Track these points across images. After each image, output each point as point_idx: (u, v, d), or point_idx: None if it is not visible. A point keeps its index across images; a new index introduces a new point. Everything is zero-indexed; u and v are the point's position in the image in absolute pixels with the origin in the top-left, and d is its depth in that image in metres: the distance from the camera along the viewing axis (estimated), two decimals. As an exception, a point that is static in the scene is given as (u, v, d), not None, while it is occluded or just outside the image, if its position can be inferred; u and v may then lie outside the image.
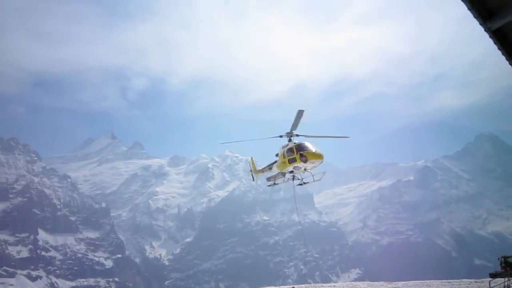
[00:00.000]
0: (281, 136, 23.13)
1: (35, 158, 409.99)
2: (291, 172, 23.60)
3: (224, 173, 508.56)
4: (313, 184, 25.20)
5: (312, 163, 21.84)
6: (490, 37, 9.54)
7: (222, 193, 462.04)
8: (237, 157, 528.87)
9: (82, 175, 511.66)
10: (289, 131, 22.76)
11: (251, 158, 30.59)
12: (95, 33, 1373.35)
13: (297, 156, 21.94)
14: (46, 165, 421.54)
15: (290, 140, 23.18)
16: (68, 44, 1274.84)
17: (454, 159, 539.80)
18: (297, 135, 22.80)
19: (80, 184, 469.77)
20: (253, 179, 30.53)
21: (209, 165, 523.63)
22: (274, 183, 26.98)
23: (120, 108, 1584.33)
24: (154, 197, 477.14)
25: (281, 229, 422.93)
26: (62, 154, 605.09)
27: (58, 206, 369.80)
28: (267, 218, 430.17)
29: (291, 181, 25.75)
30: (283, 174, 25.17)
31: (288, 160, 22.59)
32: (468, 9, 8.88)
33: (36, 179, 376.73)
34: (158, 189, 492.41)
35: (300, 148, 22.00)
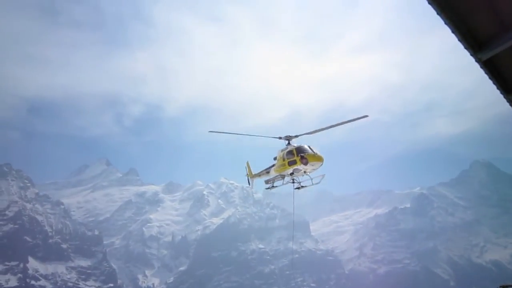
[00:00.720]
0: (280, 138, 23.09)
1: (28, 184, 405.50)
2: (291, 174, 23.19)
3: (219, 200, 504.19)
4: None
5: (313, 165, 21.64)
6: (481, 67, 9.82)
7: (217, 221, 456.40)
8: (233, 184, 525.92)
9: (75, 201, 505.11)
10: (288, 134, 22.81)
11: (247, 163, 30.03)
12: (92, 60, 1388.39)
13: (297, 158, 21.80)
14: (39, 191, 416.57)
15: (289, 143, 23.09)
16: (65, 70, 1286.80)
17: (450, 186, 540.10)
18: (296, 136, 22.74)
19: (73, 211, 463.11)
20: (249, 183, 30.06)
21: (204, 192, 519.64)
22: (273, 186, 26.65)
23: (115, 134, 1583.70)
24: (148, 224, 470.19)
25: (277, 257, 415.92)
26: (55, 180, 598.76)
27: (50, 234, 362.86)
28: (262, 246, 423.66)
29: (289, 188, 25.24)
30: (282, 177, 24.76)
31: (288, 162, 22.44)
32: (458, 40, 9.17)
33: (28, 206, 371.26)
34: (152, 216, 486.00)
35: (300, 150, 21.91)
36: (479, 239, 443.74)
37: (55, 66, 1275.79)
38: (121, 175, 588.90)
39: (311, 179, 23.98)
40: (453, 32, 9.00)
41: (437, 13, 8.53)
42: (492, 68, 10.35)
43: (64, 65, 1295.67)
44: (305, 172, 22.45)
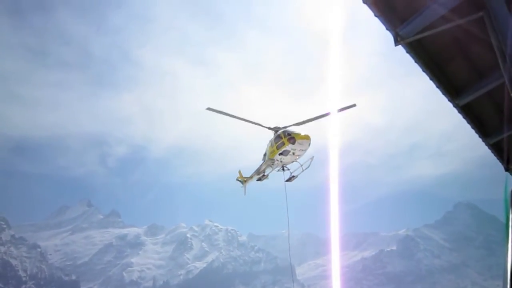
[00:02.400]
0: (269, 128, 23.17)
1: (4, 226, 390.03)
2: (281, 157, 22.85)
3: (203, 243, 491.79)
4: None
5: (301, 144, 21.63)
6: (459, 112, 10.19)
7: (201, 265, 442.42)
8: (217, 226, 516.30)
9: (53, 244, 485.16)
10: (276, 126, 22.92)
11: (239, 171, 29.13)
12: (79, 100, 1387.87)
13: (285, 139, 21.96)
14: (16, 233, 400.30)
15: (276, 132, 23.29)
16: (52, 110, 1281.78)
17: (435, 228, 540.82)
18: (284, 127, 22.74)
19: (50, 254, 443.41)
20: (242, 186, 28.94)
21: (188, 235, 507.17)
22: (263, 175, 25.73)
23: (99, 174, 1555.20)
24: (129, 268, 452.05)
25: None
26: (34, 222, 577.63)
27: (24, 279, 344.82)
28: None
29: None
30: (272, 164, 24.22)
31: (277, 146, 22.58)
32: (436, 86, 9.60)
33: (2, 249, 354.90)
34: (133, 260, 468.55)
35: (287, 132, 22.21)
36: (466, 282, 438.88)
37: (41, 106, 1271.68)
38: (102, 217, 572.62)
39: (301, 165, 23.72)
40: (431, 79, 9.41)
41: (415, 61, 8.94)
42: (470, 113, 10.77)
43: (51, 105, 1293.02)
44: (294, 153, 22.27)
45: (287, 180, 24.71)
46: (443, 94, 9.85)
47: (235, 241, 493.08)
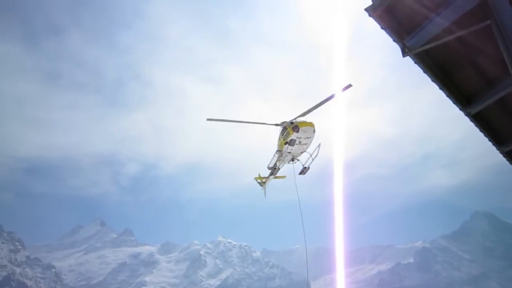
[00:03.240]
0: (276, 125, 23.51)
1: (19, 247, 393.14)
2: (289, 147, 23.06)
3: (216, 260, 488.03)
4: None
5: (305, 131, 21.73)
6: (471, 120, 10.07)
7: (215, 282, 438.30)
8: (230, 242, 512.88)
9: (67, 264, 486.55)
10: (283, 121, 23.22)
11: (258, 174, 29.03)
12: (91, 121, 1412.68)
13: (289, 129, 22.26)
14: (30, 254, 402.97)
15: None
16: (64, 131, 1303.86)
17: (453, 238, 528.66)
18: (291, 122, 22.87)
19: (65, 274, 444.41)
20: (262, 188, 28.88)
21: (201, 252, 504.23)
22: (275, 168, 25.98)
23: (111, 194, 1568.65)
24: (143, 287, 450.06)
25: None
26: (48, 242, 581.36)
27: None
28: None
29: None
30: (281, 156, 24.48)
31: (283, 137, 22.97)
32: (446, 95, 9.54)
33: (17, 270, 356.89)
34: (147, 278, 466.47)
35: (291, 123, 22.56)
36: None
37: (55, 128, 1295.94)
38: (115, 236, 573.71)
39: (310, 155, 23.85)
40: (440, 88, 9.37)
41: (424, 72, 8.92)
42: (483, 121, 10.64)
43: (64, 127, 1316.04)
44: (300, 142, 22.39)
45: (300, 173, 24.78)
46: (454, 103, 9.77)
47: (249, 257, 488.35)
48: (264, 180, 28.01)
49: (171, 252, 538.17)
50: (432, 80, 9.27)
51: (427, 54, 8.76)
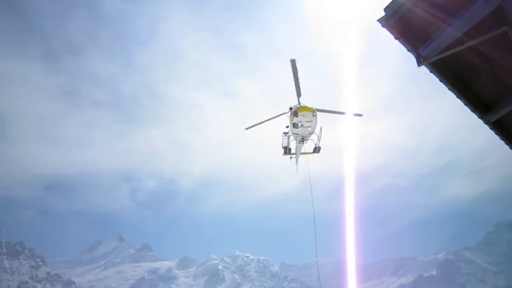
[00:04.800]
0: (291, 108, 24.75)
1: (40, 263, 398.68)
2: (297, 134, 24.92)
3: (235, 275, 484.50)
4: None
5: (303, 115, 23.12)
6: (491, 128, 9.90)
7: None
8: (248, 257, 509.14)
9: (86, 280, 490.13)
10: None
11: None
12: (109, 137, 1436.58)
13: (292, 114, 23.86)
14: (51, 270, 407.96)
15: None
16: (82, 148, 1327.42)
17: (477, 250, 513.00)
18: (290, 108, 24.61)
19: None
20: (293, 158, 29.89)
21: (219, 267, 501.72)
22: (287, 147, 27.86)
23: (130, 209, 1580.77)
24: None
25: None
26: (68, 258, 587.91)
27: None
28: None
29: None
30: (290, 138, 26.52)
31: (289, 121, 24.72)
32: (464, 104, 9.41)
33: (39, 286, 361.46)
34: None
35: (290, 108, 24.39)
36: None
37: (73, 145, 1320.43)
38: (134, 251, 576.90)
39: (317, 135, 25.48)
40: (458, 97, 9.27)
41: (440, 80, 8.86)
42: (503, 129, 10.43)
43: (82, 144, 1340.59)
44: (303, 125, 23.77)
45: (313, 152, 26.73)
46: (472, 111, 9.63)
47: (268, 271, 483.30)
48: (291, 156, 29.30)
49: (189, 267, 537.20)
50: (449, 89, 9.18)
51: (443, 63, 8.66)
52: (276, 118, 25.95)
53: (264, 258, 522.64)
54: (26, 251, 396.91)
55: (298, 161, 29.70)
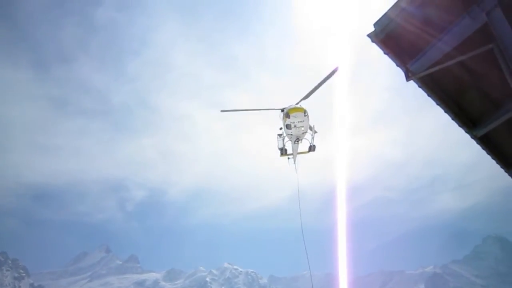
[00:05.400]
0: (281, 110, 24.83)
1: (23, 274, 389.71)
2: (289, 131, 24.78)
3: (223, 287, 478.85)
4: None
5: (295, 116, 23.33)
6: (478, 143, 10.01)
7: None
8: (237, 269, 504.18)
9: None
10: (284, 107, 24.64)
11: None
12: (98, 147, 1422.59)
13: (284, 115, 23.92)
14: (35, 281, 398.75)
15: None
16: (72, 157, 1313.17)
17: (464, 263, 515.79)
18: (282, 110, 24.51)
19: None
20: (290, 158, 29.97)
21: (207, 279, 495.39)
22: (283, 149, 27.53)
23: (117, 220, 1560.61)
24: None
25: None
26: (53, 269, 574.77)
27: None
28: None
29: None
30: (285, 139, 26.36)
31: (282, 122, 24.71)
32: (452, 118, 9.54)
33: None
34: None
35: (281, 110, 24.40)
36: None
37: (62, 154, 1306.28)
38: (120, 263, 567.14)
39: (311, 134, 25.80)
40: (445, 112, 9.38)
41: (428, 95, 8.97)
42: (489, 144, 10.56)
43: (71, 153, 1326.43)
44: (295, 126, 23.97)
45: (309, 151, 26.68)
46: (460, 126, 9.75)
47: (256, 284, 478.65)
48: (288, 156, 29.10)
49: (177, 279, 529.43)
50: (437, 104, 9.32)
51: (431, 78, 8.81)
52: (259, 111, 25.71)
53: (252, 270, 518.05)
54: (9, 262, 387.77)
55: (296, 161, 29.35)
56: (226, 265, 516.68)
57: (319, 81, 24.12)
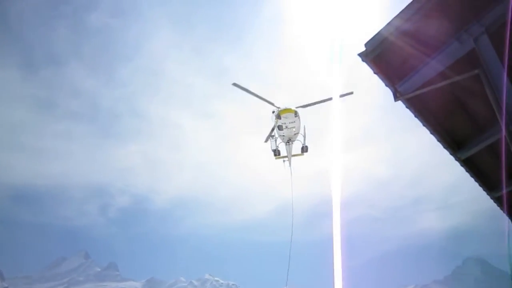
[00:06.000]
0: (273, 112, 25.05)
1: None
2: (281, 132, 25.23)
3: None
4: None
5: (286, 117, 23.75)
6: (461, 165, 10.22)
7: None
8: (218, 281, 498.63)
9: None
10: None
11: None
12: (84, 151, 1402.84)
13: (276, 117, 24.26)
14: (9, 285, 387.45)
15: None
16: (57, 160, 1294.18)
17: (444, 284, 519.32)
18: (273, 111, 24.85)
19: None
20: (285, 161, 29.14)
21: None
22: (276, 150, 27.78)
23: (99, 225, 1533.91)
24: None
25: None
26: (28, 273, 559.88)
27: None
28: None
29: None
30: (277, 140, 26.72)
31: (274, 124, 25.06)
32: (437, 140, 9.74)
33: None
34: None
35: (272, 112, 24.75)
36: None
37: (46, 156, 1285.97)
38: (99, 270, 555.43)
39: (303, 135, 26.01)
40: (431, 133, 9.57)
41: (415, 116, 9.15)
42: (473, 167, 10.80)
43: (55, 155, 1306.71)
44: (287, 127, 24.37)
45: (302, 151, 27.08)
46: (445, 148, 9.96)
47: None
48: (284, 159, 29.22)
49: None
50: (423, 125, 9.46)
51: (418, 99, 8.93)
52: (263, 101, 25.55)
53: (233, 283, 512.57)
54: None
55: (291, 164, 29.54)
56: (207, 276, 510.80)
57: (325, 98, 24.75)
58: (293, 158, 28.31)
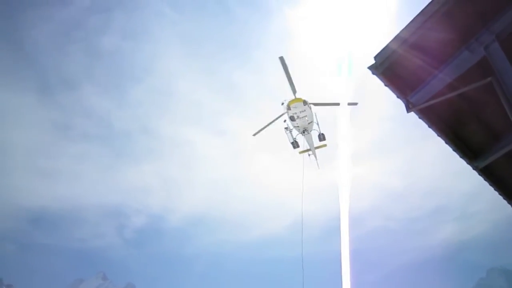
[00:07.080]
0: (282, 104, 25.14)
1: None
2: (294, 122, 25.21)
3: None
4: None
5: (295, 107, 23.88)
6: (479, 174, 10.03)
7: None
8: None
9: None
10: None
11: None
12: (99, 172, 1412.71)
13: (286, 110, 24.40)
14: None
15: None
16: (71, 182, 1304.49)
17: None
18: (282, 103, 25.03)
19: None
20: (312, 154, 30.02)
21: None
22: (294, 142, 27.70)
23: (116, 246, 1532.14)
24: None
25: None
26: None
27: None
28: None
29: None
30: (292, 131, 26.70)
31: (287, 114, 25.10)
32: (453, 150, 9.60)
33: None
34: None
35: (284, 103, 24.75)
36: None
37: (61, 178, 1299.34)
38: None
39: (317, 124, 26.05)
40: (446, 143, 9.46)
41: (428, 126, 9.06)
42: (491, 175, 10.57)
43: (70, 177, 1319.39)
44: (298, 116, 24.47)
45: (319, 139, 27.20)
46: (461, 157, 9.80)
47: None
48: (308, 152, 29.58)
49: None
50: (438, 135, 9.41)
51: (431, 109, 8.89)
52: (280, 118, 26.04)
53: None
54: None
55: (317, 156, 29.94)
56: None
57: (333, 102, 24.82)
58: (317, 151, 28.17)
